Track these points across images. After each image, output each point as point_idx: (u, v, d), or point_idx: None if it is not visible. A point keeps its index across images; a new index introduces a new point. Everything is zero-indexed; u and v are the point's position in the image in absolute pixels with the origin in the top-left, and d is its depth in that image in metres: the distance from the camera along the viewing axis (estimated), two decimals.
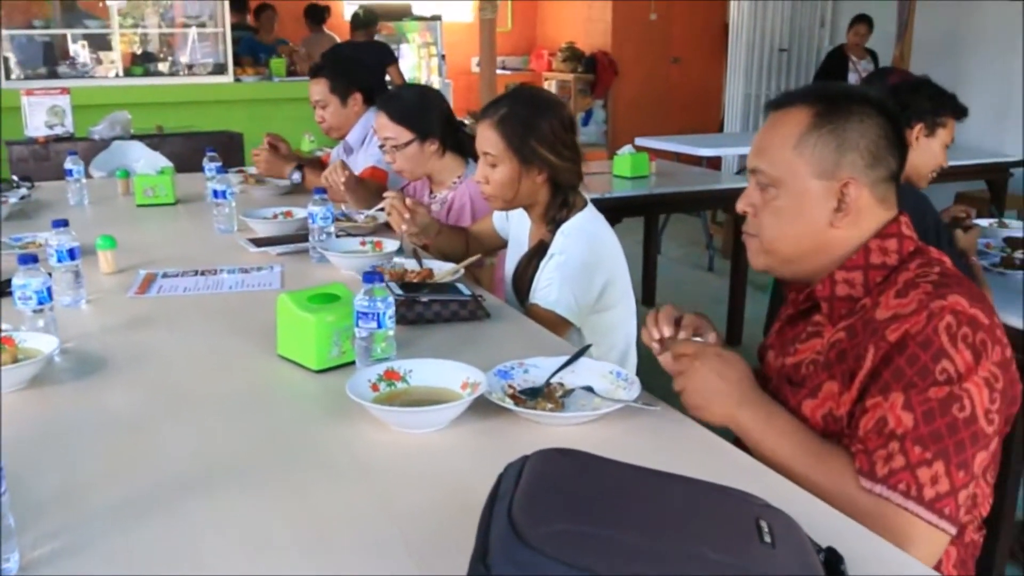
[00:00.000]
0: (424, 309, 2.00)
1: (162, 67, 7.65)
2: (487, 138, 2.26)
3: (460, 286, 2.14)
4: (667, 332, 1.58)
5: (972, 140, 6.50)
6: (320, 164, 4.04)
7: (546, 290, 2.22)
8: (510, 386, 1.60)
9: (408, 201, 2.52)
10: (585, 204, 2.32)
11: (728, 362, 1.47)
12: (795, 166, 1.44)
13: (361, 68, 3.82)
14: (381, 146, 2.98)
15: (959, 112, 2.70)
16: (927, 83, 2.70)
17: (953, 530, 1.27)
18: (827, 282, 1.47)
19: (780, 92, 1.61)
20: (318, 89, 3.66)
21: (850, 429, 1.37)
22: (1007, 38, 7.13)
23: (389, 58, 7.70)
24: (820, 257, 1.47)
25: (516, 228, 2.53)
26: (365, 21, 7.73)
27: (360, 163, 3.67)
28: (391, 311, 1.65)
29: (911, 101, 2.64)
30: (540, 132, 2.22)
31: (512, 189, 2.26)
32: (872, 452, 1.29)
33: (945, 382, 1.27)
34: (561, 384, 1.60)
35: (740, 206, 1.52)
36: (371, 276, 1.63)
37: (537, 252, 2.32)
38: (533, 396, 1.55)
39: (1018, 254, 2.98)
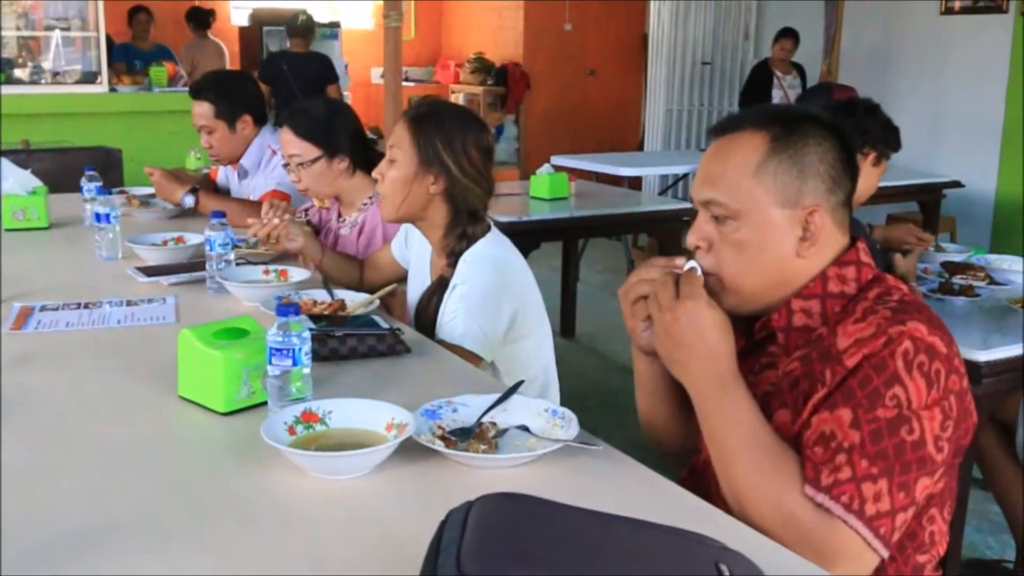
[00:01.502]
0: (339, 344, 2.01)
1: (20, 74, 7.45)
2: (397, 132, 2.32)
3: (376, 318, 2.15)
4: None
5: (903, 160, 6.74)
6: (209, 183, 3.99)
7: (451, 324, 2.24)
8: (439, 426, 1.61)
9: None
10: (488, 228, 2.35)
11: (721, 323, 1.43)
12: (756, 195, 1.47)
13: (248, 86, 3.77)
14: (285, 164, 2.98)
15: (899, 146, 2.83)
16: (879, 109, 2.81)
17: (885, 552, 1.32)
18: (783, 312, 1.51)
19: (720, 114, 1.65)
20: (201, 112, 3.63)
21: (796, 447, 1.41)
22: (937, 53, 7.44)
23: (330, 75, 7.63)
24: (783, 289, 1.51)
25: (417, 256, 2.55)
26: (303, 29, 7.65)
27: (259, 186, 3.65)
28: (307, 347, 1.65)
29: (870, 127, 2.74)
30: (449, 137, 2.27)
31: (403, 191, 2.29)
32: (818, 463, 1.34)
33: (894, 406, 1.32)
34: (493, 423, 1.62)
35: (692, 240, 1.53)
36: (286, 309, 1.62)
37: (438, 288, 2.35)
38: (464, 437, 1.57)
39: (956, 279, 3.10)
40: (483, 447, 1.54)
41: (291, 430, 1.54)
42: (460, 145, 2.27)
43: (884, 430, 1.32)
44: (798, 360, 1.48)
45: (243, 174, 3.74)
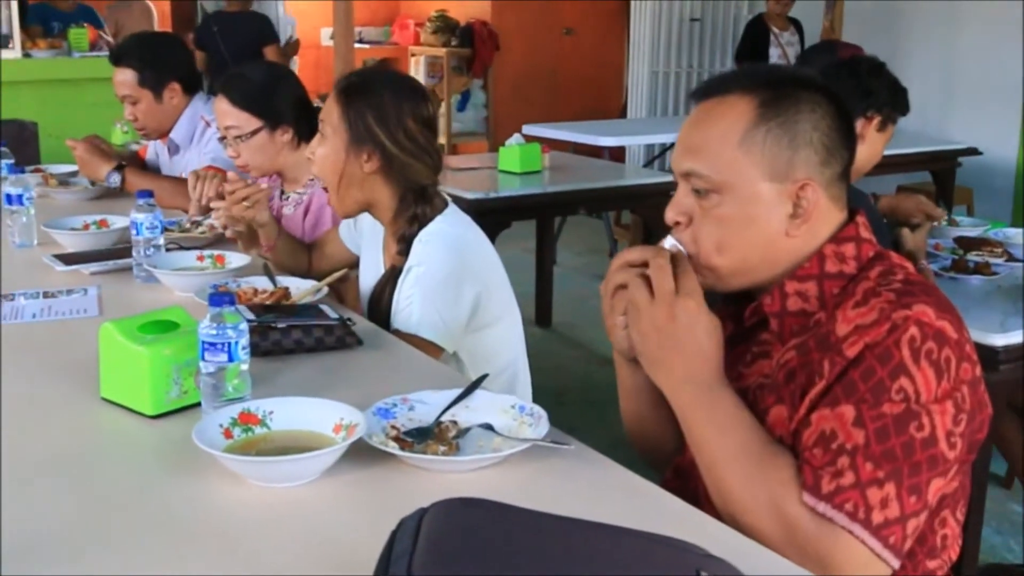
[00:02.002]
0: (282, 337, 2.00)
1: None
2: (327, 106, 2.32)
3: (325, 307, 2.15)
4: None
5: (913, 125, 6.79)
6: (139, 160, 3.97)
7: (406, 311, 2.24)
8: (393, 427, 1.61)
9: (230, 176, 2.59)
10: (446, 205, 2.36)
11: (715, 329, 1.45)
12: (742, 167, 1.47)
13: (176, 51, 3.74)
14: (221, 138, 2.96)
15: (907, 109, 2.84)
16: (884, 68, 2.82)
17: (895, 563, 1.33)
18: (776, 295, 1.51)
19: (710, 76, 1.65)
20: (124, 82, 3.60)
21: (793, 446, 1.42)
22: (950, 7, 7.48)
23: (269, 36, 7.62)
24: (769, 269, 1.51)
25: (369, 240, 2.56)
26: None
27: (192, 162, 3.62)
28: (245, 340, 1.65)
29: (875, 87, 2.76)
30: (382, 110, 2.27)
31: (335, 172, 2.29)
32: (818, 468, 1.34)
33: (901, 400, 1.33)
34: (454, 422, 1.63)
35: (671, 216, 1.53)
36: (219, 298, 1.62)
37: (392, 277, 2.35)
38: (422, 438, 1.57)
39: (971, 256, 3.13)
40: (443, 448, 1.55)
41: (227, 433, 1.54)
42: (394, 117, 2.27)
43: (891, 427, 1.32)
44: (794, 349, 1.48)
45: (174, 149, 3.72)
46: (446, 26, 10.65)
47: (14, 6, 7.32)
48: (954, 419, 1.35)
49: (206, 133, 3.62)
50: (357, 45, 8.79)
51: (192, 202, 2.99)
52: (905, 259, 1.54)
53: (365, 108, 2.26)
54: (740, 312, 1.60)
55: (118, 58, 3.63)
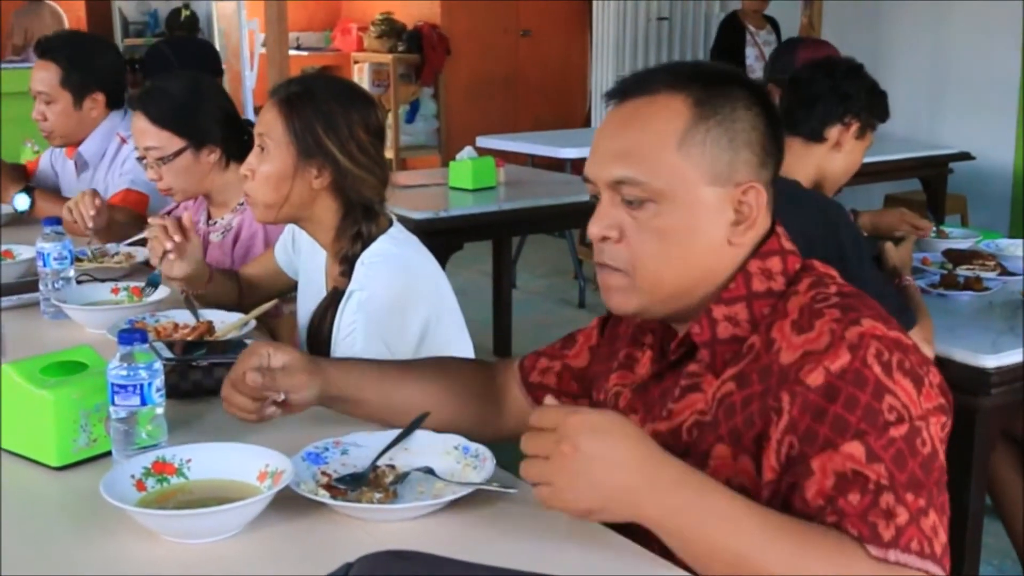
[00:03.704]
0: (203, 376, 2.00)
1: None
2: (266, 119, 2.31)
3: (251, 343, 2.14)
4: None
5: (901, 129, 6.86)
6: (24, 175, 3.92)
7: (348, 339, 2.25)
8: (324, 473, 1.61)
9: (184, 219, 2.50)
10: (390, 223, 2.37)
11: (611, 432, 1.33)
12: (682, 172, 1.46)
13: (109, 59, 3.73)
14: (140, 158, 2.95)
15: (887, 115, 2.88)
16: (862, 70, 2.86)
17: None
18: (704, 322, 1.50)
19: (626, 74, 1.64)
20: (45, 76, 3.57)
21: (788, 502, 1.39)
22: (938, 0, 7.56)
23: (214, 66, 7.67)
24: (705, 286, 1.50)
25: (307, 263, 2.56)
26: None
27: (101, 184, 3.60)
28: (159, 381, 1.64)
29: (853, 91, 2.79)
30: (331, 121, 2.27)
31: (280, 190, 2.29)
32: (863, 513, 1.30)
33: (897, 420, 1.32)
34: (392, 467, 1.63)
35: (597, 231, 1.51)
36: (129, 335, 1.62)
37: (332, 301, 2.36)
38: (355, 485, 1.57)
39: (961, 270, 3.16)
40: (378, 496, 1.55)
41: (140, 485, 1.54)
42: (345, 128, 2.27)
43: (904, 451, 1.32)
44: (732, 380, 1.47)
45: (82, 166, 3.70)
46: (391, 30, 10.68)
47: None
48: (942, 426, 1.37)
49: (121, 151, 3.60)
50: (294, 52, 8.81)
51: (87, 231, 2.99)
52: (827, 266, 1.53)
53: (312, 118, 2.26)
54: (659, 343, 1.60)
55: (45, 51, 3.61)
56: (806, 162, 2.79)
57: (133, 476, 1.54)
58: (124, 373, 1.61)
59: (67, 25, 9.22)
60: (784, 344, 1.41)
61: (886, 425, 1.32)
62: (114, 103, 3.67)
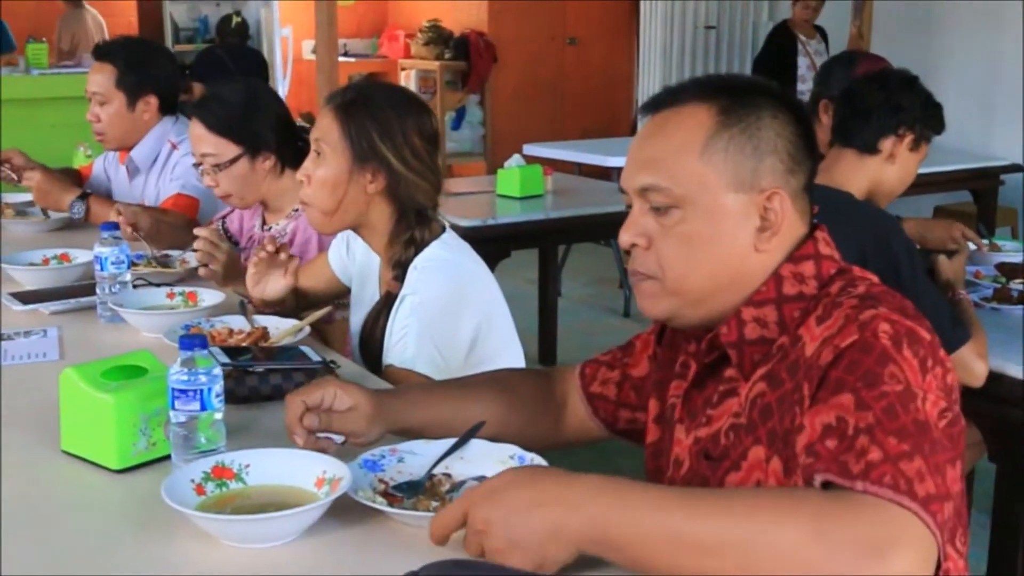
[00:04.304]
0: (259, 382, 2.02)
1: None
2: (322, 125, 2.34)
3: (306, 349, 2.16)
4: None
5: (951, 141, 6.77)
6: (79, 180, 3.96)
7: (400, 344, 2.26)
8: (381, 480, 1.62)
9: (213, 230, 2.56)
10: (443, 230, 2.38)
11: (504, 487, 1.34)
12: (704, 178, 1.49)
13: (164, 64, 3.77)
14: (197, 164, 2.98)
15: (942, 127, 2.86)
16: (917, 82, 2.84)
17: (936, 550, 1.24)
18: (733, 324, 1.51)
19: (671, 84, 1.66)
20: (100, 78, 3.62)
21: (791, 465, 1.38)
22: (990, 10, 7.50)
23: (262, 73, 7.83)
24: (735, 292, 1.52)
25: (362, 269, 2.57)
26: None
27: (152, 189, 3.64)
28: (218, 387, 1.66)
29: (907, 103, 2.77)
30: (386, 126, 2.29)
31: (335, 194, 2.31)
32: (836, 455, 1.27)
33: (897, 383, 1.30)
34: (447, 475, 1.63)
35: (627, 238, 1.54)
36: (191, 341, 1.63)
37: (385, 306, 2.37)
38: (412, 493, 1.58)
39: (1015, 284, 3.13)
40: (435, 504, 1.55)
41: (200, 489, 1.55)
42: (400, 133, 2.29)
43: (897, 406, 1.29)
44: (763, 380, 1.47)
45: (133, 171, 3.74)
46: (439, 37, 10.70)
47: None
48: (940, 414, 1.32)
49: (172, 157, 3.63)
50: (342, 59, 8.85)
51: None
52: (867, 272, 1.53)
53: (368, 124, 2.28)
54: (699, 348, 1.60)
55: (103, 54, 3.66)
56: (859, 174, 2.78)
57: (193, 480, 1.55)
58: (185, 378, 1.63)
59: (107, 30, 9.36)
60: (808, 338, 1.42)
61: (881, 384, 1.30)
62: (167, 108, 3.70)
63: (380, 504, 1.52)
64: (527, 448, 1.72)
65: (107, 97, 3.61)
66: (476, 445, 1.70)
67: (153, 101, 3.65)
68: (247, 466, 1.59)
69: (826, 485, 1.27)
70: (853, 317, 1.38)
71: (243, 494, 1.56)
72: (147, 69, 3.66)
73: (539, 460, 1.64)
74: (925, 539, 1.22)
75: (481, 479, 1.60)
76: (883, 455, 1.25)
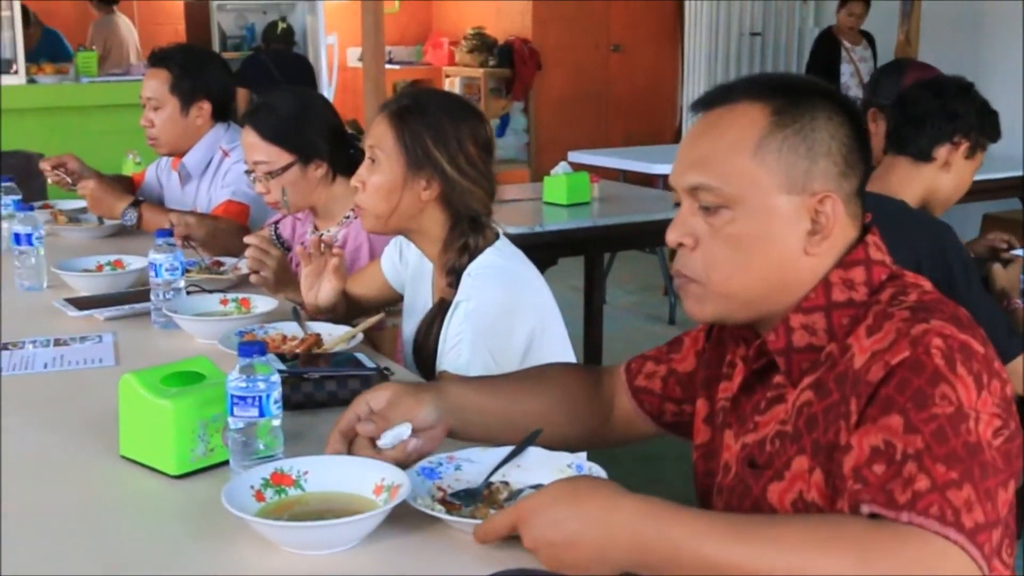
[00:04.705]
0: (315, 389, 2.02)
1: None
2: (376, 132, 2.35)
3: (360, 356, 2.17)
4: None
5: (1000, 147, 6.71)
6: (131, 187, 4.00)
7: (455, 351, 2.26)
8: (439, 488, 1.62)
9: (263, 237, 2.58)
10: (497, 237, 2.38)
11: (556, 503, 1.36)
12: (756, 178, 1.47)
13: (218, 70, 3.81)
14: (249, 171, 2.99)
15: (997, 135, 2.83)
16: (972, 89, 2.82)
17: None
18: (781, 331, 1.49)
19: (713, 86, 1.63)
20: (154, 83, 3.66)
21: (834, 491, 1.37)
22: None
23: (309, 79, 7.92)
24: (784, 295, 1.49)
25: (414, 276, 2.57)
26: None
27: (204, 196, 3.66)
28: (277, 393, 1.66)
29: (962, 110, 2.75)
30: (440, 133, 2.30)
31: (389, 200, 2.32)
32: (883, 482, 1.26)
33: (948, 404, 1.28)
34: (505, 483, 1.63)
35: (674, 237, 1.52)
36: (250, 347, 1.64)
37: (439, 313, 2.37)
38: (470, 501, 1.58)
39: None
40: (493, 512, 1.54)
41: (259, 495, 1.55)
42: (454, 140, 2.30)
43: (947, 429, 1.27)
44: (811, 389, 1.45)
45: (185, 177, 3.77)
46: (483, 44, 10.72)
47: (18, 29, 7.46)
48: (995, 432, 1.30)
49: (223, 164, 3.66)
50: (387, 66, 8.88)
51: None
52: (919, 278, 1.51)
53: (422, 131, 2.29)
54: (747, 353, 1.58)
55: (159, 59, 3.71)
56: (914, 182, 2.76)
57: (252, 487, 1.55)
58: (243, 384, 1.63)
59: (137, 36, 9.46)
60: (857, 349, 1.40)
61: (931, 405, 1.28)
62: (219, 115, 3.74)
63: (439, 511, 1.52)
64: (575, 445, 1.73)
65: (161, 102, 3.65)
66: (533, 453, 1.69)
67: (206, 107, 3.68)
68: (306, 473, 1.59)
69: (873, 515, 1.26)
70: (905, 331, 1.35)
71: (301, 501, 1.57)
72: (201, 75, 3.69)
73: (597, 469, 1.63)
74: (970, 571, 1.22)
75: (539, 487, 1.59)
76: (931, 483, 1.24)
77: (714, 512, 1.36)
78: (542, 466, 1.67)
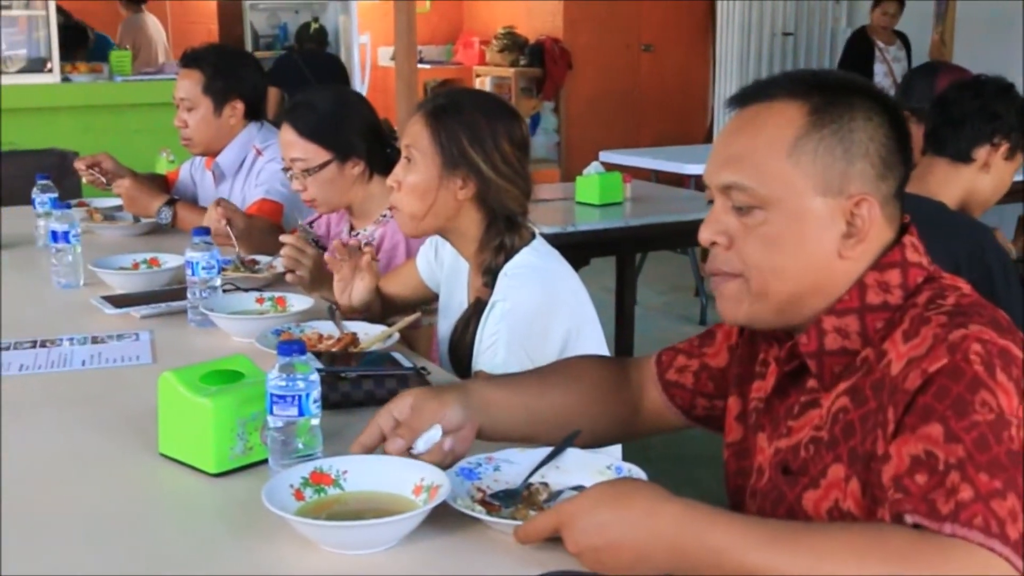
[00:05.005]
0: (352, 388, 2.02)
1: None
2: (413, 129, 2.35)
3: (397, 355, 2.17)
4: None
5: None
6: (165, 186, 4.01)
7: (491, 350, 2.26)
8: (479, 489, 1.61)
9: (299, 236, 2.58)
10: (533, 236, 2.38)
11: (597, 506, 1.35)
12: (791, 179, 1.45)
13: (250, 70, 3.82)
14: (286, 169, 3.00)
15: None
16: (1013, 90, 2.79)
17: None
18: (813, 333, 1.48)
19: (750, 82, 1.60)
20: (187, 84, 3.68)
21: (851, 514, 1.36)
22: None
23: (342, 79, 7.96)
24: (817, 298, 1.47)
25: (450, 275, 2.57)
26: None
27: (238, 195, 3.67)
28: (316, 392, 1.66)
29: (1003, 111, 2.72)
30: (476, 132, 2.29)
31: (425, 200, 2.32)
32: (926, 492, 1.24)
33: (989, 412, 1.26)
34: (545, 484, 1.62)
35: (707, 235, 1.51)
36: (289, 346, 1.64)
37: (475, 313, 2.37)
38: (509, 502, 1.57)
39: None
40: (533, 513, 1.53)
41: (298, 494, 1.55)
42: (490, 139, 2.30)
43: (989, 436, 1.25)
44: (846, 395, 1.43)
45: (219, 177, 3.78)
46: (514, 44, 10.72)
47: (53, 28, 7.49)
48: None
49: (257, 162, 3.67)
50: (418, 66, 8.90)
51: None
52: (957, 279, 1.48)
53: (458, 130, 2.29)
54: (780, 354, 1.56)
55: (191, 60, 3.72)
56: (952, 183, 2.73)
57: (292, 485, 1.55)
58: (283, 383, 1.63)
59: (164, 35, 9.53)
60: (894, 355, 1.38)
61: (972, 412, 1.26)
62: (252, 114, 3.75)
63: (479, 512, 1.51)
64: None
65: (194, 103, 3.66)
66: (572, 454, 1.69)
67: (239, 106, 3.69)
68: (345, 472, 1.59)
69: (916, 525, 1.24)
70: (942, 337, 1.33)
71: (340, 500, 1.56)
72: (234, 75, 3.71)
73: (637, 471, 1.62)
74: None
75: (579, 488, 1.58)
76: (974, 493, 1.22)
77: (756, 518, 1.34)
78: (581, 468, 1.66)
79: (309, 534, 1.48)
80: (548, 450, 1.69)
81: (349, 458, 1.62)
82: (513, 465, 1.67)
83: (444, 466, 1.61)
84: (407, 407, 1.65)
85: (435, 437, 1.62)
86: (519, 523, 1.47)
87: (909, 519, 1.24)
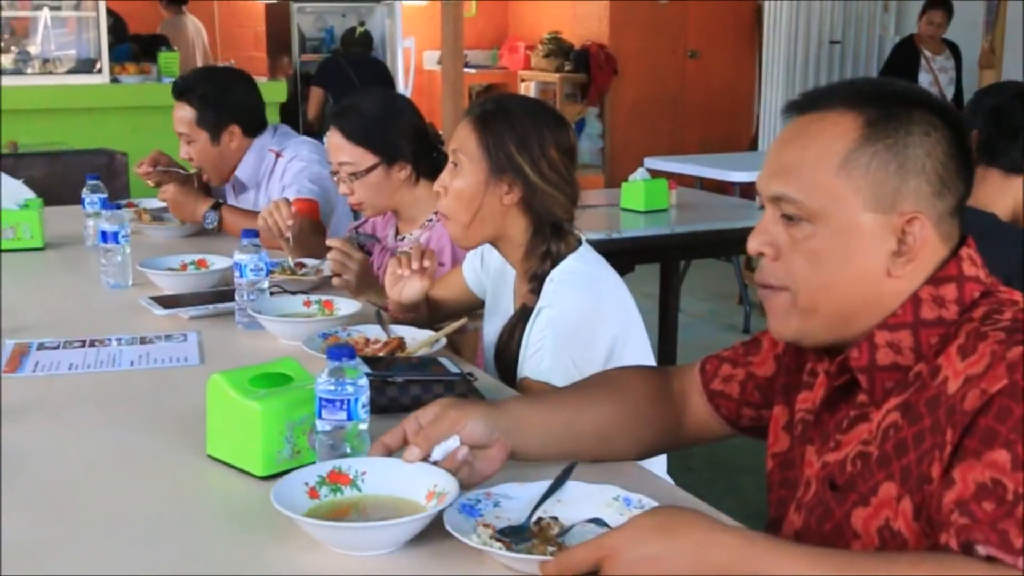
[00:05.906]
0: (399, 393, 2.01)
1: (4, 61, 7.58)
2: (460, 134, 2.34)
3: (444, 361, 2.16)
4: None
5: None
6: (202, 184, 4.02)
7: (536, 356, 2.25)
8: (483, 525, 1.52)
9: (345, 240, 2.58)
10: (579, 243, 2.37)
11: (649, 539, 1.28)
12: (841, 194, 1.42)
13: (241, 91, 3.82)
14: (333, 172, 3.01)
15: None
16: None
17: None
18: (864, 347, 1.44)
19: (808, 89, 1.57)
20: (182, 117, 3.72)
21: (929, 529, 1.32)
22: None
23: (387, 83, 8.07)
24: (866, 317, 1.44)
25: (496, 281, 2.57)
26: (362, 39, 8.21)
27: (263, 201, 3.69)
28: (365, 397, 1.66)
29: None
30: (523, 138, 2.29)
31: (471, 206, 2.31)
32: (994, 520, 1.20)
33: None
34: (555, 519, 1.54)
35: (755, 245, 1.49)
36: (339, 351, 1.63)
37: (521, 319, 2.36)
38: (519, 538, 1.49)
39: None
40: (551, 549, 1.44)
41: (313, 492, 1.56)
42: (537, 146, 2.29)
43: None
44: (898, 411, 1.40)
45: (240, 188, 3.82)
46: (559, 49, 10.73)
47: (103, 29, 7.56)
48: None
49: (278, 165, 3.70)
50: (463, 70, 8.92)
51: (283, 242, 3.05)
52: (1015, 293, 1.44)
53: (505, 136, 2.28)
54: (830, 368, 1.53)
55: (180, 92, 3.74)
56: (1005, 195, 2.70)
57: (307, 483, 1.56)
58: (332, 387, 1.63)
59: (205, 37, 9.62)
60: (950, 372, 1.34)
61: None
62: (251, 130, 3.78)
63: (498, 549, 1.44)
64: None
65: (192, 136, 3.72)
66: (573, 487, 1.61)
67: (236, 130, 3.73)
68: (364, 473, 1.59)
69: (988, 557, 1.21)
70: (1000, 354, 1.29)
71: (356, 502, 1.57)
72: (223, 102, 3.73)
73: (648, 501, 1.56)
74: None
75: (597, 522, 1.52)
76: None
77: (812, 547, 1.29)
78: (585, 500, 1.59)
79: (316, 534, 1.48)
80: (547, 483, 1.61)
81: (369, 460, 1.62)
82: (513, 500, 1.59)
83: (464, 481, 1.58)
84: (431, 415, 1.64)
85: (451, 446, 1.60)
86: (544, 558, 1.39)
87: (982, 550, 1.20)
